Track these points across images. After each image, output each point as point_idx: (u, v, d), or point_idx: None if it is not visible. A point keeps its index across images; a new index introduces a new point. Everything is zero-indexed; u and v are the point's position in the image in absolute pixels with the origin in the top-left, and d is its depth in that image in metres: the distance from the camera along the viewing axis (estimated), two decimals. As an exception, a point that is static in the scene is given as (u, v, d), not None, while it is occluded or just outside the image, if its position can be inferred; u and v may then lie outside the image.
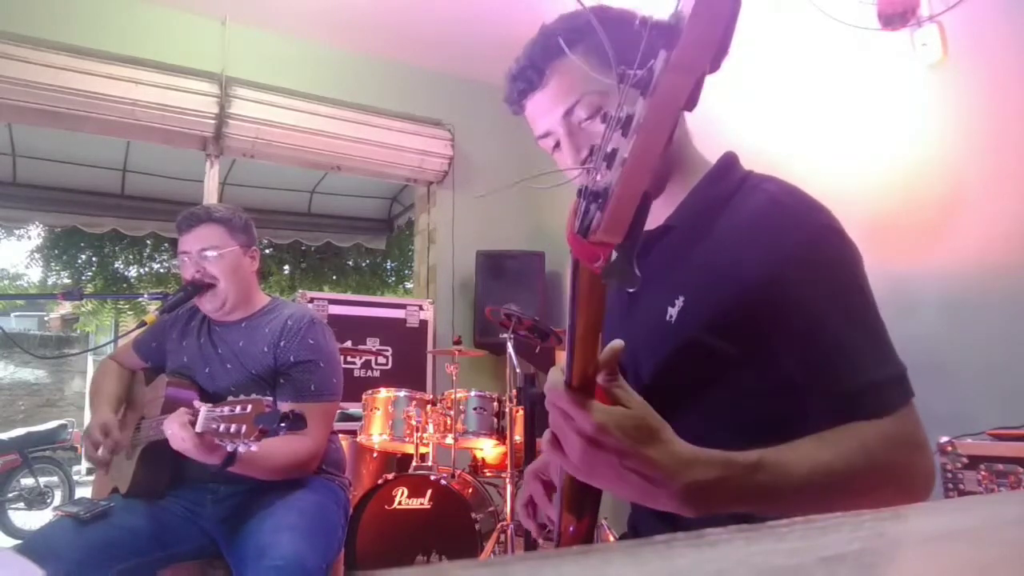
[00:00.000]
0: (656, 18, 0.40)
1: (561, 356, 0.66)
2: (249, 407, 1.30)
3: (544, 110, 0.89)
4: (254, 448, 1.29)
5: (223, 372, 1.69)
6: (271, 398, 1.32)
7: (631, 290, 0.89)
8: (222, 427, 1.31)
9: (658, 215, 0.89)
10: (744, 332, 0.76)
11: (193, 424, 1.36)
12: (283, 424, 1.27)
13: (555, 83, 0.87)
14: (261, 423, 1.28)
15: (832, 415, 0.70)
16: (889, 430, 0.70)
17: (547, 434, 0.66)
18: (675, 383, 0.80)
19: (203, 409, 1.36)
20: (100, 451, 1.60)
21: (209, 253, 1.68)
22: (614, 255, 0.47)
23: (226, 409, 1.33)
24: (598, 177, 0.46)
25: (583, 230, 0.47)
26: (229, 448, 1.32)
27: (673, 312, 0.81)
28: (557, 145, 0.92)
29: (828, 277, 0.76)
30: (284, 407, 1.64)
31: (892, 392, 0.72)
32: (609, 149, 0.45)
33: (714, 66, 0.40)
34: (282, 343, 1.67)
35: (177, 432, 1.35)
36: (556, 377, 0.62)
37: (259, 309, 1.78)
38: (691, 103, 0.42)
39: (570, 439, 0.62)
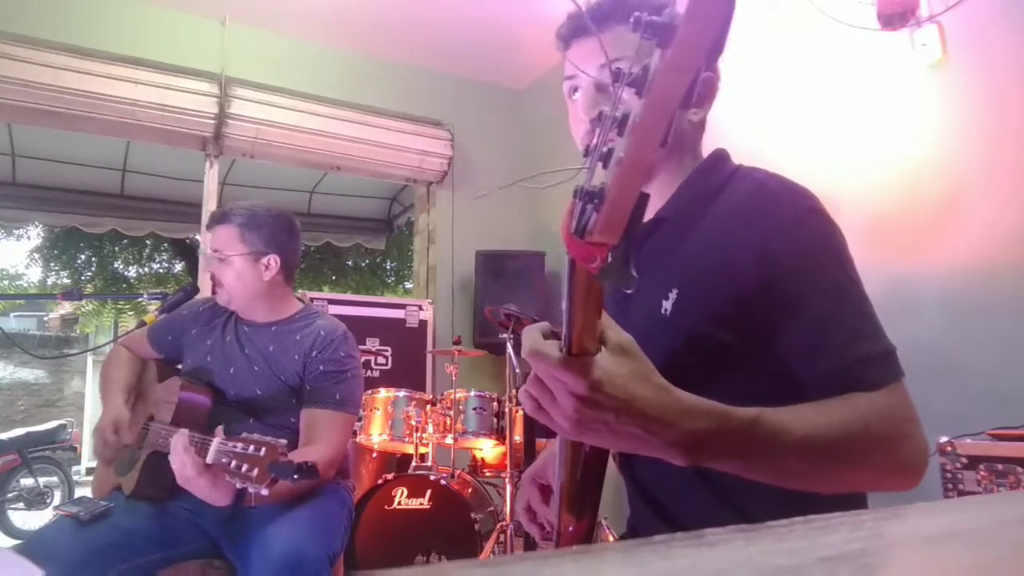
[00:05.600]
0: (649, 16, 0.40)
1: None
2: (263, 450, 1.24)
3: (588, 55, 0.89)
4: (264, 492, 1.23)
5: (249, 374, 1.67)
6: (284, 441, 1.26)
7: (628, 291, 0.89)
8: (233, 464, 1.25)
9: (650, 209, 0.90)
10: (739, 318, 0.77)
11: (201, 452, 1.31)
12: (296, 476, 1.21)
13: (611, 36, 0.86)
14: (275, 472, 1.22)
15: (825, 390, 0.71)
16: (882, 402, 0.71)
17: (524, 394, 0.63)
18: (673, 377, 0.80)
19: (215, 440, 1.31)
20: (109, 449, 1.59)
21: (218, 256, 1.67)
22: (610, 256, 0.47)
23: (239, 446, 1.26)
24: (593, 177, 0.46)
25: (579, 230, 0.47)
26: (238, 486, 1.27)
27: (668, 305, 0.82)
28: (577, 91, 0.92)
29: (815, 258, 0.77)
30: (304, 414, 1.63)
31: (882, 366, 0.73)
32: (605, 149, 0.44)
33: (709, 64, 0.40)
34: (313, 353, 1.65)
35: (181, 467, 1.30)
36: (540, 343, 0.59)
37: (290, 316, 1.75)
38: (687, 101, 0.42)
39: (562, 400, 0.60)
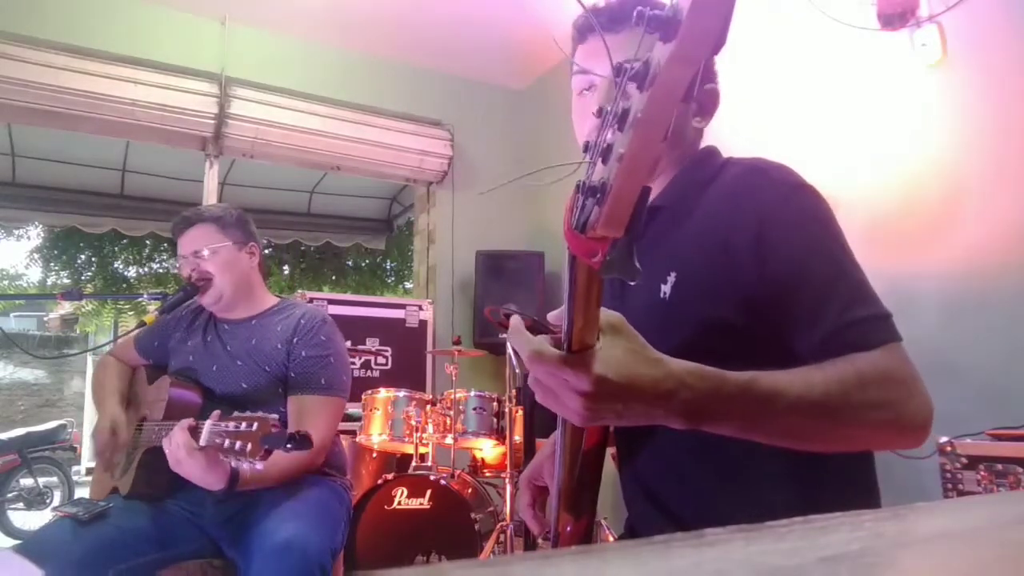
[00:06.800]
0: (652, 11, 0.40)
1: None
2: (255, 424, 1.26)
3: (599, 53, 0.90)
4: (259, 467, 1.24)
5: (233, 369, 1.69)
6: (276, 416, 1.28)
7: (632, 283, 0.90)
8: (227, 443, 1.26)
9: None
10: (739, 296, 0.78)
11: (195, 433, 1.32)
12: (289, 445, 1.23)
13: (624, 36, 0.87)
14: (267, 444, 1.23)
15: (823, 354, 0.71)
16: (880, 360, 0.71)
17: (532, 387, 0.64)
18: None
19: (207, 423, 1.32)
20: (108, 450, 1.61)
21: (203, 252, 1.70)
22: (614, 249, 0.47)
23: (231, 424, 1.28)
24: (594, 172, 0.45)
25: (580, 225, 0.47)
26: (233, 464, 1.29)
27: (667, 288, 0.83)
28: (589, 88, 0.93)
29: (810, 232, 0.79)
30: (292, 401, 1.65)
31: (878, 328, 0.74)
32: (605, 144, 0.44)
33: (710, 71, 0.40)
34: (295, 340, 1.69)
35: (175, 450, 1.32)
36: (538, 343, 0.60)
37: (269, 308, 1.79)
38: (689, 95, 0.42)
39: (568, 399, 0.60)
